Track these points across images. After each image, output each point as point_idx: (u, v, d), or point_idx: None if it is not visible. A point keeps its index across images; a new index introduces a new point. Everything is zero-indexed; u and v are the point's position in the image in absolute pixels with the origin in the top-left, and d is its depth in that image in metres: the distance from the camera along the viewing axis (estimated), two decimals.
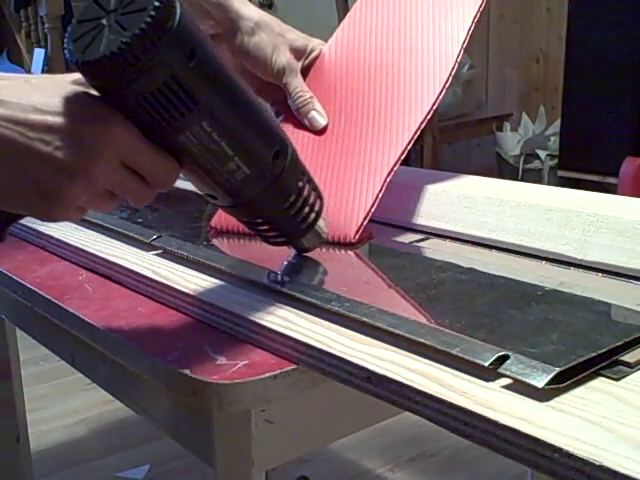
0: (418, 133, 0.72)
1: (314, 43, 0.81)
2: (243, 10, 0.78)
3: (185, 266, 0.66)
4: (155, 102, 0.47)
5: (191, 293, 0.59)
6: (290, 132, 0.78)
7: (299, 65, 0.80)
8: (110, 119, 0.48)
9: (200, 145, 0.50)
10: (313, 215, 0.60)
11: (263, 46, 0.77)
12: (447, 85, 0.73)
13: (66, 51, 0.47)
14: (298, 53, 0.79)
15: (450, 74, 0.74)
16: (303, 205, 0.59)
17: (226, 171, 0.52)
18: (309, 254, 0.65)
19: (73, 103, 0.48)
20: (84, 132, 0.47)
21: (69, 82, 0.49)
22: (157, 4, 0.45)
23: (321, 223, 0.62)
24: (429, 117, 0.73)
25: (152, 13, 0.45)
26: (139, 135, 0.49)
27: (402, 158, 0.72)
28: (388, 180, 0.71)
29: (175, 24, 0.46)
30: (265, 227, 0.59)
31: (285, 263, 0.64)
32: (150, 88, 0.46)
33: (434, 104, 0.73)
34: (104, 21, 0.46)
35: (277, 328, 0.52)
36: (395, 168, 0.71)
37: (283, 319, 0.54)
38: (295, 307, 0.56)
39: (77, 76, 0.49)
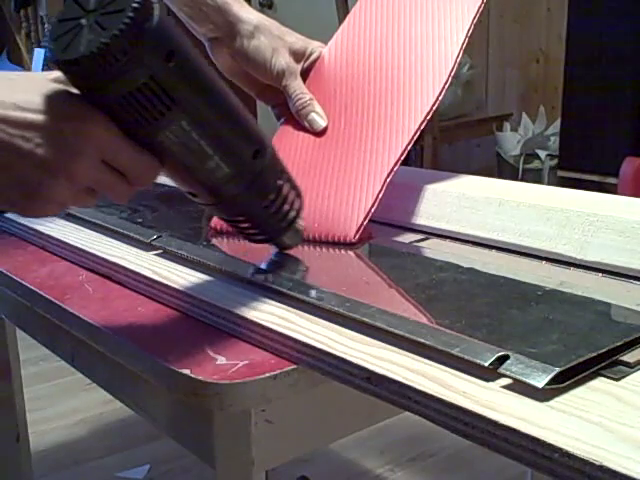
0: (418, 134, 0.72)
1: (313, 45, 0.81)
2: (242, 14, 0.78)
3: (185, 266, 0.66)
4: (134, 101, 0.48)
5: (191, 293, 0.59)
6: (290, 134, 0.79)
7: (299, 68, 0.80)
8: (90, 117, 0.49)
9: (180, 144, 0.50)
10: (293, 213, 0.61)
11: (262, 49, 0.77)
12: (447, 86, 0.74)
13: (47, 50, 0.47)
14: (297, 56, 0.80)
15: (449, 75, 0.74)
16: (282, 203, 0.60)
17: (206, 170, 0.53)
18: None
19: (54, 101, 0.49)
20: (65, 130, 0.48)
21: (50, 80, 0.50)
22: (135, 5, 0.46)
23: (301, 221, 0.63)
24: (429, 118, 0.73)
25: (130, 14, 0.45)
26: (119, 133, 0.50)
27: (402, 159, 0.72)
28: (388, 181, 0.71)
29: (153, 25, 0.47)
30: (246, 225, 0.60)
31: (282, 261, 0.64)
32: (129, 88, 0.47)
33: (434, 105, 0.73)
34: (83, 21, 0.47)
35: (277, 328, 0.52)
36: (395, 169, 0.71)
37: (283, 319, 0.54)
38: (295, 307, 0.56)
39: (58, 74, 0.50)
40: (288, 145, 0.78)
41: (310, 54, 0.81)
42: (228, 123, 0.53)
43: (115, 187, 0.52)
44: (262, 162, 0.56)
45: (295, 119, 0.79)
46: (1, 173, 0.48)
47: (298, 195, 0.62)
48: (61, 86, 0.49)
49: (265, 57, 0.77)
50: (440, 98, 0.73)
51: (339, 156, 0.75)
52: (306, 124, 0.78)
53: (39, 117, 0.48)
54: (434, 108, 0.73)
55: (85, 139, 0.48)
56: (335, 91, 0.79)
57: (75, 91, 0.49)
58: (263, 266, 0.63)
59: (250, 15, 0.78)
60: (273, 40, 0.78)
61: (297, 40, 0.80)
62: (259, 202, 0.58)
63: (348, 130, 0.76)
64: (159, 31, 0.47)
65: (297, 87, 0.78)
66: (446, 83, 0.74)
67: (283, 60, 0.78)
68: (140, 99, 0.48)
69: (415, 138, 0.72)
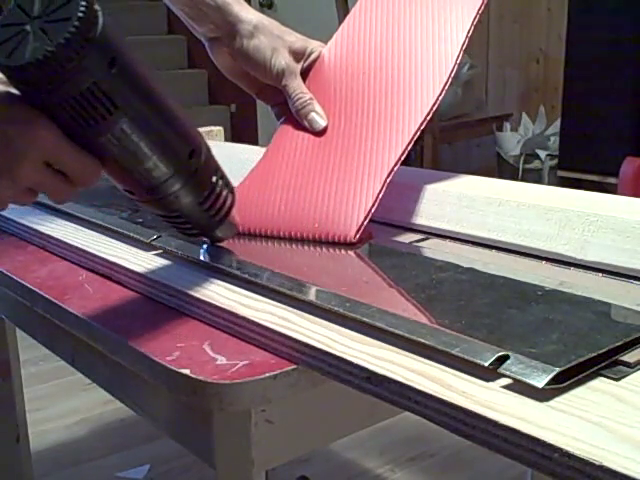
0: (418, 134, 0.72)
1: (313, 45, 0.82)
2: (242, 13, 0.78)
3: (185, 266, 0.66)
4: (78, 106, 0.49)
5: (191, 293, 0.59)
6: (290, 134, 0.79)
7: (298, 67, 0.80)
8: (34, 120, 0.50)
9: (120, 145, 0.52)
10: (226, 208, 0.64)
11: (262, 49, 0.77)
12: (447, 87, 0.74)
13: None
14: (297, 55, 0.80)
15: (450, 76, 0.74)
16: (216, 199, 0.62)
17: (145, 169, 0.55)
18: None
19: None
20: (9, 132, 0.49)
21: None
22: (81, 15, 0.47)
23: (234, 215, 0.66)
24: (429, 118, 0.73)
25: (76, 23, 0.47)
26: (62, 136, 0.51)
27: (402, 159, 0.72)
28: (388, 181, 0.71)
29: (97, 33, 0.48)
30: (181, 220, 0.62)
31: (282, 261, 0.64)
32: (73, 93, 0.49)
33: (434, 105, 0.73)
34: (28, 27, 0.47)
35: (277, 328, 0.52)
36: (395, 168, 0.71)
37: (283, 319, 0.54)
38: (295, 307, 0.56)
39: (0, 76, 0.50)
40: (287, 144, 0.78)
41: (310, 54, 0.81)
42: (166, 125, 0.56)
43: (56, 188, 0.53)
44: (197, 161, 0.58)
45: (295, 119, 0.79)
46: None
47: (231, 191, 0.64)
48: (4, 88, 0.50)
49: (265, 57, 0.78)
50: (440, 98, 0.73)
51: (339, 156, 0.75)
52: (306, 124, 0.78)
53: None
54: (434, 108, 0.73)
55: (29, 142, 0.49)
56: (335, 91, 0.79)
57: (17, 92, 0.50)
58: (262, 266, 0.63)
59: (250, 15, 0.78)
60: (273, 40, 0.78)
61: (297, 40, 0.80)
62: (194, 199, 0.60)
63: (348, 130, 0.76)
64: (103, 39, 0.49)
65: (297, 86, 0.79)
66: (446, 83, 0.74)
67: (283, 60, 0.78)
68: (83, 103, 0.49)
69: (415, 138, 0.72)
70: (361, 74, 0.79)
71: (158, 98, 0.55)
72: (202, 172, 0.59)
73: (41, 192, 0.54)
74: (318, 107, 0.78)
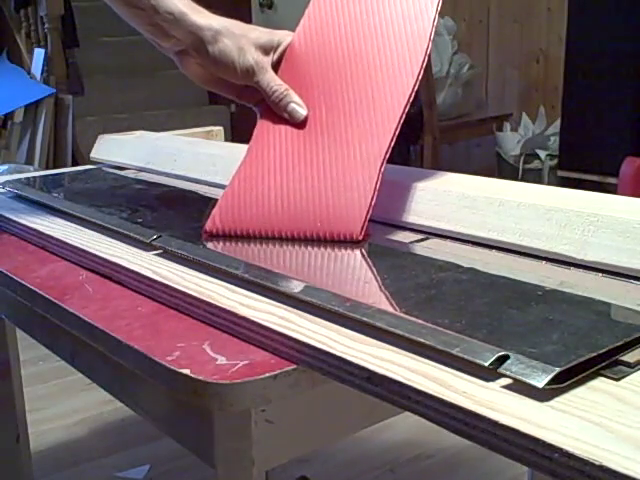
0: (404, 116, 0.71)
1: (279, 35, 0.80)
2: (201, 21, 0.77)
3: (185, 266, 0.66)
4: None
5: (191, 293, 0.59)
6: (271, 129, 0.77)
7: (268, 61, 0.78)
8: None
9: None
10: None
11: (228, 51, 0.76)
12: (424, 64, 0.72)
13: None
14: (265, 49, 0.78)
15: (426, 52, 0.72)
16: None
17: None
18: (310, 256, 0.65)
19: None
20: None
21: None
22: None
23: None
24: (412, 99, 0.71)
25: None
26: None
27: (392, 144, 0.70)
28: (383, 169, 0.70)
29: None
30: None
31: (282, 261, 0.64)
32: None
33: (415, 85, 0.71)
34: None
35: (277, 328, 0.52)
36: (387, 156, 0.70)
37: (283, 319, 0.54)
38: (295, 307, 0.56)
39: None
40: (271, 141, 0.76)
41: (278, 45, 0.79)
42: None
43: None
44: None
45: (272, 113, 0.77)
46: None
47: None
48: None
49: (232, 58, 0.76)
50: (420, 77, 0.72)
51: (327, 146, 0.73)
52: (286, 116, 0.76)
53: None
54: (415, 88, 0.71)
55: None
56: (311, 77, 0.77)
57: None
58: (263, 266, 0.63)
59: (210, 21, 0.77)
60: (237, 40, 0.77)
61: (262, 34, 0.79)
62: None
63: (331, 118, 0.75)
64: None
65: (270, 80, 0.77)
66: (424, 61, 0.72)
67: (250, 57, 0.77)
68: None
69: (402, 121, 0.71)
70: (335, 57, 0.77)
71: None
72: None
73: None
74: (296, 97, 0.76)
